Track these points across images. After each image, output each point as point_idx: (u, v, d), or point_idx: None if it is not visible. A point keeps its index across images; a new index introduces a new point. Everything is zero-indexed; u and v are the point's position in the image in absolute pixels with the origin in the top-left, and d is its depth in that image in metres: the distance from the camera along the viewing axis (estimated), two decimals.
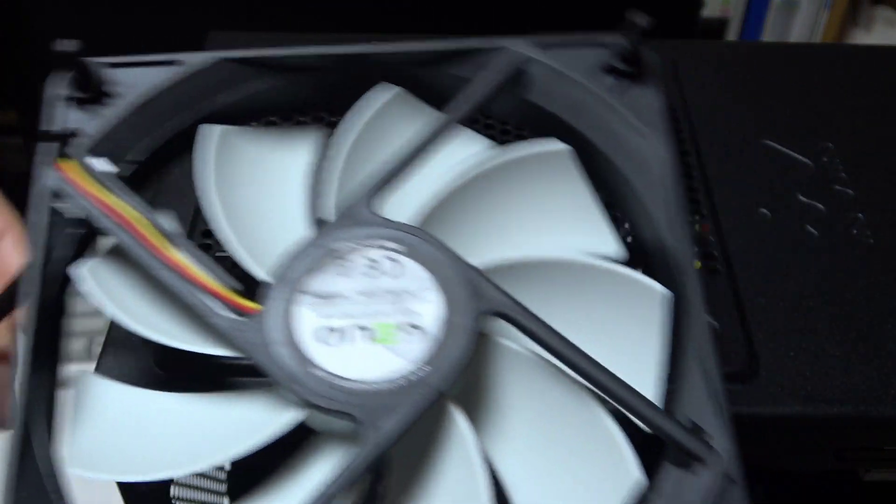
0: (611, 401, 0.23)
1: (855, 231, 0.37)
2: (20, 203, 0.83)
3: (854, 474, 0.38)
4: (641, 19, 0.26)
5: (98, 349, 0.32)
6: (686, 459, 0.23)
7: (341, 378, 0.23)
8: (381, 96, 0.28)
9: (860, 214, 0.38)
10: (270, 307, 0.24)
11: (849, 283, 0.35)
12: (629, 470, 0.23)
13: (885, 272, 0.35)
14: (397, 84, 0.28)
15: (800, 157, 0.40)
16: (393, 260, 0.24)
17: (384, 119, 0.27)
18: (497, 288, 0.24)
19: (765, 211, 0.38)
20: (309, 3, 0.66)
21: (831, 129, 0.42)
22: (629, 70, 0.27)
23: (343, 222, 0.25)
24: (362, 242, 0.25)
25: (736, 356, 0.32)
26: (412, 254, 0.24)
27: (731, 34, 0.91)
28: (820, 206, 0.38)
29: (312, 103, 0.30)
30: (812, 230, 0.37)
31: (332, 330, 0.23)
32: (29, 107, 0.70)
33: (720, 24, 0.91)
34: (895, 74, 0.45)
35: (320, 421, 0.24)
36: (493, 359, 0.25)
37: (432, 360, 0.23)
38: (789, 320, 0.33)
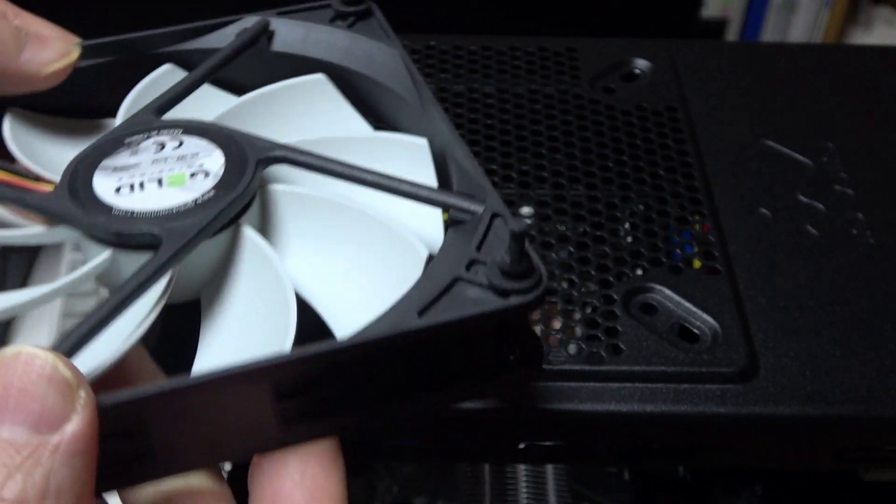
0: (397, 195, 0.27)
1: (855, 231, 0.37)
2: None
3: (854, 474, 0.38)
4: None
5: None
6: (465, 216, 0.26)
7: (141, 212, 0.26)
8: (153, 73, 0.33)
9: (860, 214, 0.38)
10: (69, 181, 0.27)
11: (849, 283, 0.35)
12: (415, 248, 0.26)
13: (885, 272, 0.35)
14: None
15: (800, 157, 0.40)
16: (179, 140, 0.28)
17: (158, 83, 0.32)
18: (273, 142, 0.28)
19: (765, 211, 0.38)
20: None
21: (831, 129, 0.42)
22: (353, 10, 0.33)
23: (129, 124, 0.29)
24: (150, 133, 0.29)
25: (736, 356, 0.32)
26: (196, 132, 0.28)
27: (731, 34, 0.91)
28: (820, 206, 0.38)
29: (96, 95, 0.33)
30: (812, 230, 0.37)
31: (130, 186, 0.26)
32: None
33: (720, 24, 0.91)
34: (895, 74, 0.45)
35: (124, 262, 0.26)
36: (277, 203, 0.29)
37: (219, 186, 0.26)
38: (789, 320, 0.33)
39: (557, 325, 0.33)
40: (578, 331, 0.33)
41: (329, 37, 0.33)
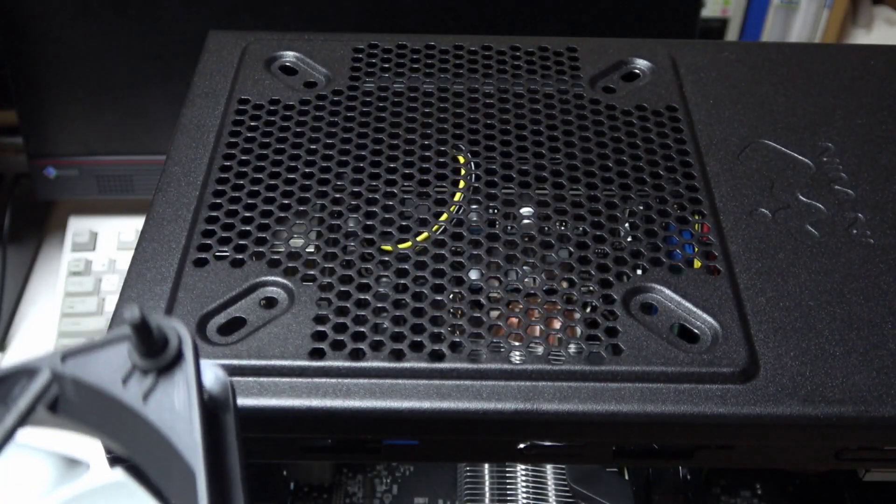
0: None
1: (855, 231, 0.37)
2: (20, 203, 0.83)
3: (854, 474, 0.38)
4: (129, 313, 0.23)
5: None
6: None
7: None
8: None
9: (860, 214, 0.38)
10: None
11: (849, 283, 0.35)
12: None
13: (885, 272, 0.35)
14: None
15: (800, 157, 0.40)
16: None
17: None
18: None
19: (765, 211, 0.38)
20: (309, 2, 0.66)
21: (831, 129, 0.42)
22: (155, 366, 0.23)
23: None
24: None
25: (736, 356, 0.32)
26: None
27: (731, 34, 0.91)
28: (820, 206, 0.38)
29: None
30: (812, 230, 0.37)
31: None
32: (29, 107, 0.70)
33: (720, 24, 0.91)
34: (895, 74, 0.45)
35: None
36: None
37: None
38: (789, 320, 0.33)
39: (557, 325, 0.33)
40: (578, 331, 0.33)
41: (119, 412, 0.24)
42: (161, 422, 0.23)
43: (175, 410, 0.23)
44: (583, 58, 0.45)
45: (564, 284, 0.34)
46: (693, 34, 0.68)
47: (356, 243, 0.36)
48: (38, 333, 0.72)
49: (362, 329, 0.33)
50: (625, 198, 0.38)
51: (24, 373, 0.24)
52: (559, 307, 0.34)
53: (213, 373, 0.24)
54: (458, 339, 0.32)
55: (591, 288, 0.34)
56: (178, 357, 0.23)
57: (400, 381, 0.31)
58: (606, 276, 0.35)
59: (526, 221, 0.37)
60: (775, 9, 0.91)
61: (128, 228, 0.76)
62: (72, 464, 0.26)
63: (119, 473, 0.25)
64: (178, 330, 0.23)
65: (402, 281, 0.34)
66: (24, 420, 0.23)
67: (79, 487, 0.25)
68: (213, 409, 0.24)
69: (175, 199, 0.38)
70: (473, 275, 0.35)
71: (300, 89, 0.43)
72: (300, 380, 0.31)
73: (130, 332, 0.23)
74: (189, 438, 0.23)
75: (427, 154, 0.40)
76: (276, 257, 0.35)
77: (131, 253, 0.36)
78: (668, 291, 0.34)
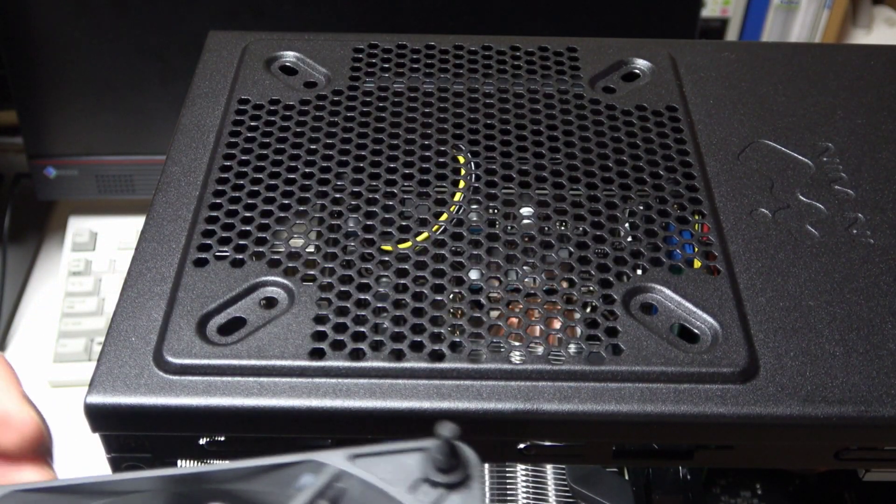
0: None
1: (855, 231, 0.37)
2: (20, 203, 0.83)
3: (854, 474, 0.38)
4: (447, 430, 0.24)
5: (98, 349, 0.32)
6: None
7: None
8: None
9: (860, 214, 0.38)
10: None
11: (849, 283, 0.35)
12: None
13: (885, 272, 0.35)
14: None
15: (800, 157, 0.40)
16: None
17: None
18: None
19: (765, 211, 0.38)
20: (309, 2, 0.66)
21: (831, 129, 0.42)
22: (447, 481, 0.24)
23: None
24: None
25: (736, 356, 0.32)
26: None
27: (731, 34, 0.91)
28: (820, 206, 0.38)
29: None
30: (812, 230, 0.37)
31: None
32: (29, 107, 0.70)
33: (720, 24, 0.91)
34: (895, 74, 0.45)
35: None
36: None
37: None
38: (789, 320, 0.33)
39: (557, 325, 0.33)
40: (578, 331, 0.33)
41: None
42: None
43: None
44: (583, 58, 0.45)
45: (564, 284, 0.34)
46: (693, 34, 0.68)
47: (356, 243, 0.36)
48: (38, 333, 0.72)
49: (362, 329, 0.33)
50: (625, 198, 0.38)
51: (313, 464, 0.25)
52: (559, 307, 0.34)
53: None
54: (458, 339, 0.32)
55: (591, 288, 0.34)
56: (467, 479, 0.24)
57: (400, 381, 0.31)
58: (606, 276, 0.35)
59: (526, 221, 0.37)
60: (775, 9, 0.91)
61: (128, 228, 0.76)
62: None
63: None
64: (471, 455, 0.24)
65: (402, 281, 0.34)
66: None
67: None
68: None
69: (175, 199, 0.38)
70: (473, 275, 0.35)
71: (300, 89, 0.43)
72: (300, 380, 0.31)
73: (433, 445, 0.24)
74: None
75: (427, 154, 0.40)
76: (276, 257, 0.35)
77: (131, 253, 0.36)
78: (668, 291, 0.34)
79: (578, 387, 0.31)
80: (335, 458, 0.25)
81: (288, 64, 0.45)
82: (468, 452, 0.24)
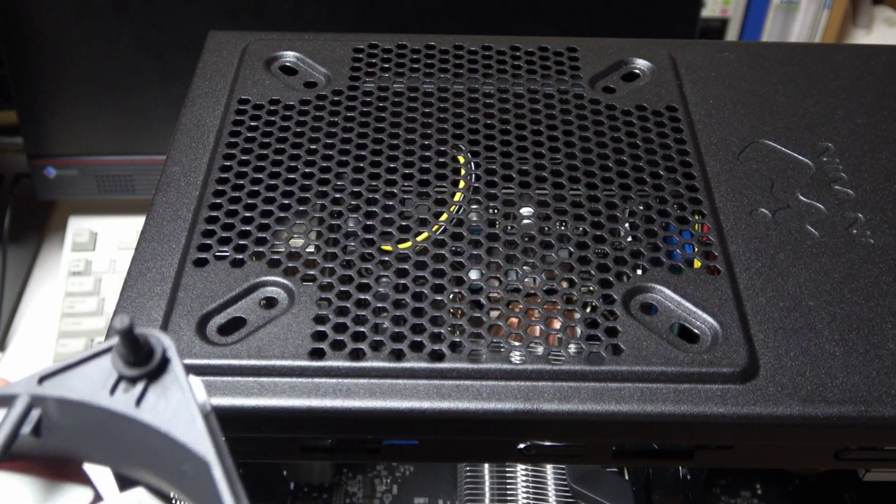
0: None
1: (855, 231, 0.37)
2: (20, 203, 0.83)
3: (854, 474, 0.38)
4: (120, 322, 0.22)
5: None
6: None
7: None
8: None
9: (860, 214, 0.38)
10: None
11: (849, 283, 0.35)
12: None
13: (885, 272, 0.35)
14: None
15: (800, 157, 0.40)
16: None
17: None
18: None
19: (765, 211, 0.38)
20: (309, 2, 0.66)
21: (831, 129, 0.42)
22: (142, 373, 0.23)
23: None
24: None
25: (736, 356, 0.32)
26: None
27: (731, 34, 0.91)
28: (820, 206, 0.38)
29: None
30: (812, 230, 0.37)
31: None
32: (29, 107, 0.70)
33: (720, 24, 0.91)
34: (895, 74, 0.45)
35: None
36: None
37: None
38: (789, 320, 0.33)
39: (557, 325, 0.33)
40: (578, 331, 0.33)
41: (113, 422, 0.24)
42: (160, 423, 0.23)
43: (171, 410, 0.23)
44: (583, 58, 0.45)
45: (564, 284, 0.34)
46: (693, 34, 0.68)
47: (356, 243, 0.36)
48: (38, 333, 0.72)
49: (362, 329, 0.33)
50: (625, 198, 0.38)
51: (1, 399, 0.24)
52: (559, 307, 0.34)
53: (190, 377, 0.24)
54: (458, 339, 0.32)
55: (591, 288, 0.34)
56: (164, 363, 0.24)
57: (400, 381, 0.31)
58: (606, 276, 0.35)
59: (526, 221, 0.37)
60: (775, 9, 0.91)
61: (128, 228, 0.76)
62: (53, 487, 0.26)
63: (138, 493, 0.25)
64: (160, 337, 0.24)
65: (402, 281, 0.34)
66: (7, 450, 0.23)
67: None
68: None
69: (175, 199, 0.38)
70: (473, 275, 0.35)
71: (300, 89, 0.43)
72: (300, 380, 0.31)
73: (116, 342, 0.23)
74: (193, 432, 0.23)
75: (427, 154, 0.40)
76: (276, 257, 0.35)
77: (131, 253, 0.36)
78: (668, 291, 0.34)
79: (578, 387, 0.31)
80: (22, 387, 0.24)
81: (288, 64, 0.45)
82: (154, 336, 0.24)
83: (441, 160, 0.39)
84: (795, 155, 0.40)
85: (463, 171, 0.39)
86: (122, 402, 0.23)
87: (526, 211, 0.38)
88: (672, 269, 0.35)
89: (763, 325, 0.33)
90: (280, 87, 0.43)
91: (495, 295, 0.34)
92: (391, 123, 0.41)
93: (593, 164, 0.39)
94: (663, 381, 0.31)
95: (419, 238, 0.36)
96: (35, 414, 0.24)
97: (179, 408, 0.23)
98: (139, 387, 0.23)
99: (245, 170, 0.39)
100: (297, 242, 0.36)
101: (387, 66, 0.44)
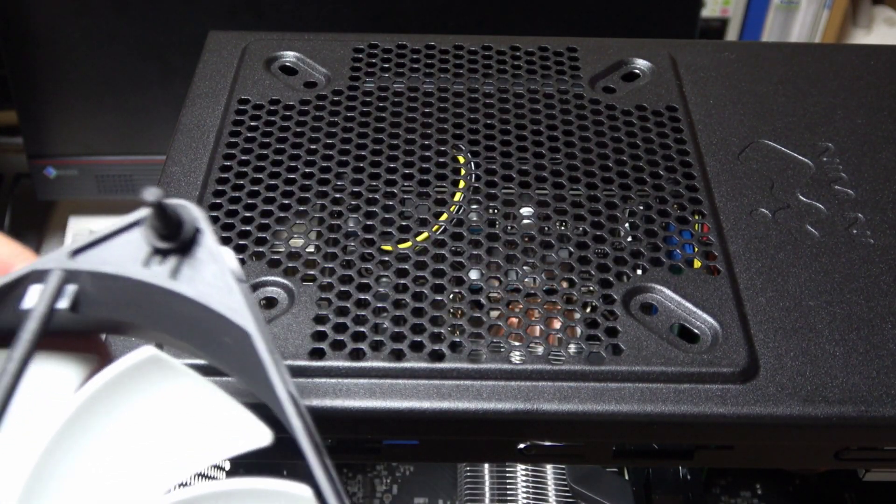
0: None
1: (855, 231, 0.37)
2: (20, 203, 0.83)
3: (854, 474, 0.38)
4: (152, 194, 0.22)
5: None
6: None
7: None
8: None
9: (860, 214, 0.38)
10: None
11: (849, 283, 0.35)
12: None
13: (885, 272, 0.35)
14: None
15: (800, 157, 0.40)
16: None
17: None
18: None
19: (765, 211, 0.38)
20: (309, 2, 0.66)
21: (831, 129, 0.42)
22: (176, 245, 0.23)
23: None
24: None
25: (736, 356, 0.32)
26: None
27: (731, 34, 0.91)
28: (820, 206, 0.38)
29: None
30: (812, 230, 0.37)
31: None
32: (29, 107, 0.70)
33: (720, 24, 0.91)
34: (895, 74, 0.45)
35: None
36: None
37: None
38: (789, 320, 0.33)
39: (557, 325, 0.33)
40: (578, 331, 0.33)
41: (148, 293, 0.23)
42: (198, 294, 0.22)
43: (207, 281, 0.23)
44: (583, 58, 0.45)
45: (564, 284, 0.34)
46: (693, 34, 0.68)
47: (356, 243, 0.36)
48: None
49: (362, 329, 0.33)
50: (625, 198, 0.38)
51: (33, 276, 0.23)
52: (559, 307, 0.34)
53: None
54: (458, 339, 0.32)
55: (591, 288, 0.34)
56: (196, 235, 0.23)
57: (400, 381, 0.31)
58: (606, 276, 0.35)
59: (526, 221, 0.37)
60: (775, 9, 0.91)
61: None
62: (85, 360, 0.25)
63: (147, 350, 0.23)
64: (191, 209, 0.23)
65: (402, 281, 0.34)
66: (45, 325, 0.22)
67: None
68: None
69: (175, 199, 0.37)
70: (473, 275, 0.35)
71: (300, 89, 0.43)
72: (300, 380, 0.31)
73: (147, 216, 0.22)
74: (232, 302, 0.22)
75: (427, 154, 0.40)
76: (276, 257, 0.35)
77: None
78: (668, 291, 0.34)
79: (578, 387, 0.31)
80: (54, 261, 0.23)
81: (288, 64, 0.45)
82: (184, 208, 0.23)
83: (441, 160, 0.39)
84: (795, 155, 0.40)
85: (463, 171, 0.39)
86: (158, 274, 0.23)
87: (526, 211, 0.38)
88: (672, 269, 0.35)
89: (763, 325, 0.33)
90: (280, 87, 0.43)
91: (495, 295, 0.34)
92: (391, 123, 0.41)
93: (593, 163, 0.39)
94: (663, 381, 0.31)
95: (419, 238, 0.36)
96: (70, 288, 0.23)
97: (215, 279, 0.23)
98: (172, 259, 0.23)
99: (245, 170, 0.39)
100: (297, 242, 0.36)
101: (387, 66, 0.44)
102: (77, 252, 0.23)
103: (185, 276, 0.23)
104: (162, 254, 0.23)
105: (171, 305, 0.23)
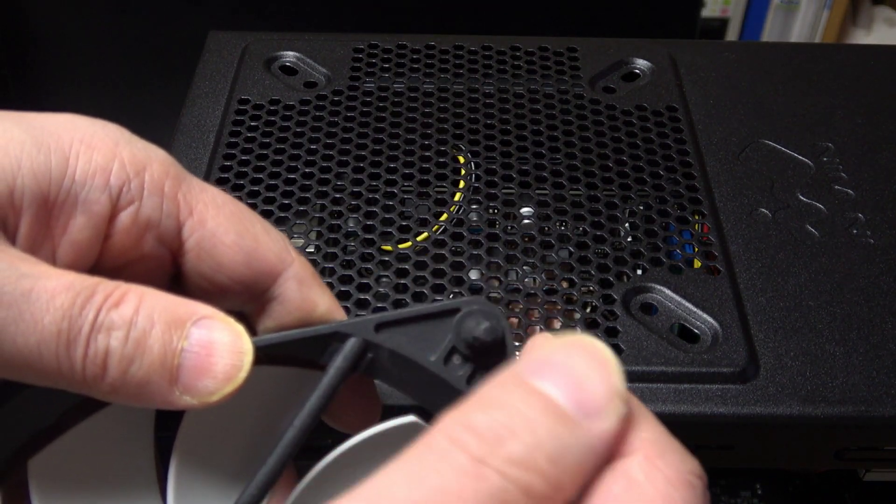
0: None
1: (855, 231, 0.37)
2: None
3: (854, 474, 0.38)
4: (475, 303, 0.23)
5: None
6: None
7: None
8: None
9: (860, 214, 0.38)
10: None
11: (849, 283, 0.35)
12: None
13: (885, 272, 0.35)
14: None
15: (800, 157, 0.40)
16: None
17: None
18: None
19: (765, 211, 0.38)
20: (309, 2, 0.66)
21: (831, 129, 0.42)
22: (477, 357, 0.23)
23: None
24: None
25: (736, 356, 0.32)
26: None
27: (731, 34, 0.91)
28: (820, 206, 0.38)
29: None
30: (812, 230, 0.37)
31: None
32: (29, 107, 0.70)
33: (720, 24, 0.91)
34: (895, 74, 0.45)
35: None
36: None
37: None
38: (789, 320, 0.33)
39: (557, 325, 0.33)
40: (578, 331, 0.33)
41: (435, 384, 0.24)
42: None
43: None
44: (583, 58, 0.45)
45: (564, 284, 0.34)
46: (693, 34, 0.68)
47: (356, 243, 0.36)
48: None
49: None
50: (625, 198, 0.38)
51: (339, 336, 0.24)
52: (559, 307, 0.34)
53: None
54: None
55: (591, 288, 0.34)
56: (500, 346, 0.23)
57: None
58: (606, 276, 0.35)
59: (526, 221, 0.37)
60: (775, 9, 0.91)
61: None
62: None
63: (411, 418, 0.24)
64: (502, 320, 0.23)
65: (402, 281, 0.34)
66: (335, 390, 0.24)
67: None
68: None
69: None
70: (473, 275, 0.35)
71: (300, 89, 0.43)
72: None
73: (466, 311, 0.23)
74: None
75: (427, 154, 0.40)
76: None
77: None
78: (668, 291, 0.34)
79: None
80: (358, 329, 0.24)
81: (288, 64, 0.45)
82: (496, 321, 0.23)
83: (441, 160, 0.39)
84: (795, 155, 0.40)
85: (463, 171, 0.39)
86: (455, 376, 0.23)
87: (526, 211, 0.38)
88: (672, 269, 0.35)
89: (763, 325, 0.33)
90: (280, 87, 0.43)
91: (495, 295, 0.34)
92: (391, 123, 0.41)
93: (593, 164, 0.39)
94: (663, 381, 0.31)
95: (419, 238, 0.36)
96: (368, 358, 0.24)
97: None
98: (469, 364, 0.23)
99: (245, 170, 0.39)
100: (297, 242, 0.36)
101: (387, 66, 0.44)
102: (382, 326, 0.24)
103: (477, 383, 0.23)
104: (464, 357, 0.23)
105: (452, 400, 0.22)
